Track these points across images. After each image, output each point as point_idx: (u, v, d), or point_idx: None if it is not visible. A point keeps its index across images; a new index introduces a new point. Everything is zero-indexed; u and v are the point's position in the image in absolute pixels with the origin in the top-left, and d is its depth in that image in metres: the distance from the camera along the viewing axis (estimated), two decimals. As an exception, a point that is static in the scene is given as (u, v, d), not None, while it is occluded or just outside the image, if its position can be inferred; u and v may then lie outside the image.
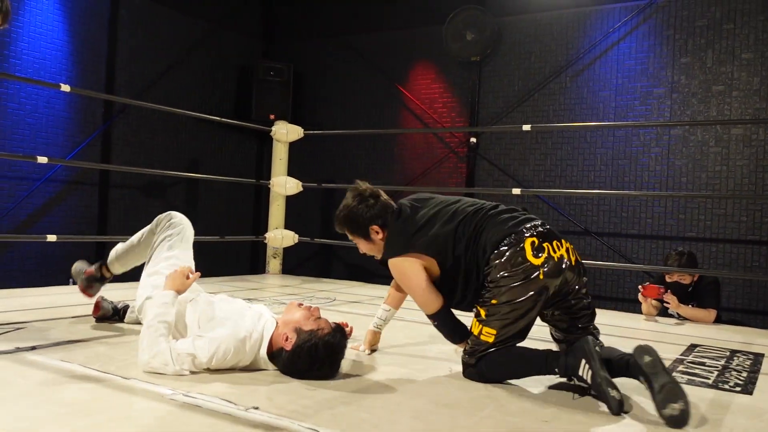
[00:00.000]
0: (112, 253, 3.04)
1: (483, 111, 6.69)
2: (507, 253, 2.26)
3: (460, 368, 2.36)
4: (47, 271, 5.69)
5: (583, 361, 2.07)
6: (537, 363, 2.21)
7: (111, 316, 3.05)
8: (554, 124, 6.10)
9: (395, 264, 2.45)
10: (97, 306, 3.03)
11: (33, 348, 2.45)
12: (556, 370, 2.16)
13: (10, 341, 2.53)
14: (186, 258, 2.82)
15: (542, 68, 6.36)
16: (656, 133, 5.81)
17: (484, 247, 2.33)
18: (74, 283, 3.14)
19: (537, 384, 2.27)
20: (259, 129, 6.23)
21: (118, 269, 3.04)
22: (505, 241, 2.29)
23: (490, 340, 2.25)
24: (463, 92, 6.80)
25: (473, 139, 6.62)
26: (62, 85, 3.84)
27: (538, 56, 6.40)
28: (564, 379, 2.23)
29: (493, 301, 2.25)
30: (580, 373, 2.08)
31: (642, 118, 5.80)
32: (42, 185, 5.69)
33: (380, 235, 2.53)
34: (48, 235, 3.76)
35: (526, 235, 2.29)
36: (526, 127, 4.39)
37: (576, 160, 6.16)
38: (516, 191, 4.44)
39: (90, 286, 3.04)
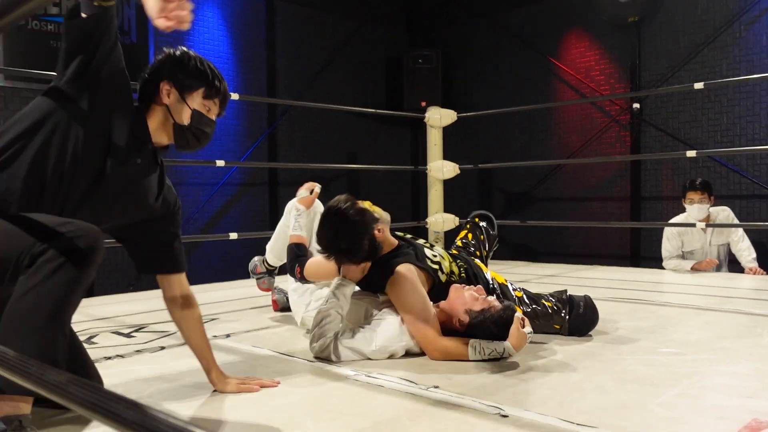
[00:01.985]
0: (267, 246, 3.23)
1: (645, 74, 6.26)
2: None
3: (648, 347, 2.23)
4: (230, 267, 6.18)
5: None
6: None
7: (288, 305, 3.24)
8: (730, 78, 5.56)
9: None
10: (274, 302, 3.24)
11: (228, 336, 2.67)
12: None
13: (208, 331, 2.77)
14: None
15: (710, 20, 5.82)
16: None
17: None
18: (254, 277, 3.37)
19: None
20: (412, 117, 6.30)
21: (276, 261, 3.22)
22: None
23: None
24: (621, 56, 6.41)
25: (636, 105, 6.22)
26: (232, 94, 4.13)
27: (704, 7, 5.86)
28: None
29: None
30: None
31: (836, 61, 5.13)
32: (220, 189, 6.19)
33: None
34: (231, 234, 4.07)
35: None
36: (698, 85, 4.03)
37: (758, 116, 5.58)
38: (690, 154, 4.09)
39: (262, 281, 3.26)
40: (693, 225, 4.24)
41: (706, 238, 4.53)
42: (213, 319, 3.07)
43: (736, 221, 4.54)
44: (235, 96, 4.09)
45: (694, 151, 4.23)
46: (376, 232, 2.29)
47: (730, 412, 1.62)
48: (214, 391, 1.87)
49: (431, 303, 2.29)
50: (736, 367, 2.05)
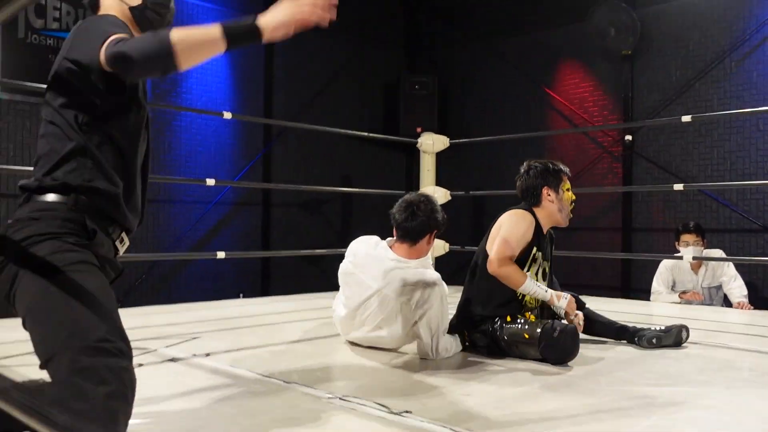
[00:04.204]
0: None
1: (638, 106, 6.32)
2: None
3: (626, 378, 2.23)
4: (220, 286, 6.17)
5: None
6: None
7: None
8: (719, 112, 5.61)
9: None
10: None
11: (207, 355, 2.66)
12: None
13: (188, 349, 2.77)
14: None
15: (702, 55, 5.90)
16: None
17: None
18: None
19: (709, 392, 2.08)
20: (407, 142, 6.34)
21: None
22: None
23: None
24: (615, 88, 6.48)
25: (628, 137, 6.28)
26: (225, 113, 4.17)
27: (697, 43, 5.94)
28: None
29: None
30: None
31: (826, 99, 5.18)
32: (213, 207, 6.20)
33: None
34: (218, 252, 4.07)
35: None
36: (686, 118, 4.07)
37: (748, 151, 5.62)
38: (678, 187, 4.13)
39: None
40: (680, 258, 4.27)
41: (698, 280, 4.55)
42: (195, 338, 3.06)
43: (727, 262, 4.55)
44: (227, 115, 4.12)
45: (682, 185, 4.27)
46: None
47: (699, 446, 1.62)
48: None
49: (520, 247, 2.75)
50: (711, 400, 2.05)
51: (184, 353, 2.67)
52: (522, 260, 2.78)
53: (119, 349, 1.31)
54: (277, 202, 6.75)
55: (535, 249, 2.82)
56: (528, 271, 2.79)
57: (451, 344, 2.70)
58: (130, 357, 1.34)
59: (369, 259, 2.77)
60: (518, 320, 2.67)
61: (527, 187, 2.91)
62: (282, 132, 6.78)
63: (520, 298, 2.75)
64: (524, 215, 2.81)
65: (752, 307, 4.37)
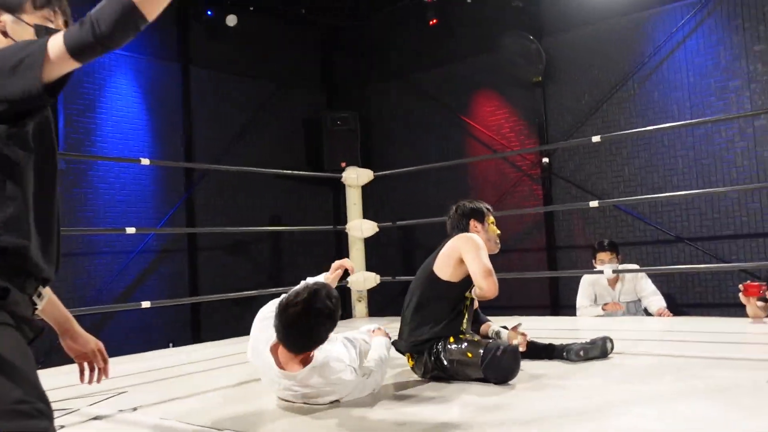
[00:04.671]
0: None
1: (552, 130, 6.58)
2: None
3: (557, 393, 2.28)
4: (149, 338, 5.96)
5: None
6: None
7: None
8: (625, 131, 5.91)
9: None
10: None
11: (134, 409, 2.56)
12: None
13: (114, 405, 2.65)
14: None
15: (608, 78, 6.22)
16: (739, 127, 5.53)
17: None
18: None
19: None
20: (332, 177, 6.37)
21: None
22: None
23: None
24: (529, 114, 6.73)
25: (545, 159, 6.52)
26: (142, 159, 4.09)
27: (601, 67, 6.27)
28: None
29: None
30: None
31: (721, 114, 5.54)
32: (137, 257, 6.01)
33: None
34: (143, 302, 3.94)
35: None
36: (596, 139, 4.28)
37: (656, 167, 5.93)
38: (593, 204, 4.32)
39: None
40: (601, 272, 4.44)
41: (615, 295, 4.73)
42: (121, 393, 2.93)
43: (643, 276, 4.74)
44: (145, 161, 4.03)
45: (597, 201, 4.46)
46: None
47: (628, 452, 1.66)
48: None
49: None
50: (639, 407, 2.12)
51: (109, 410, 2.55)
52: (468, 283, 2.84)
53: (38, 409, 1.25)
54: (204, 246, 6.62)
55: None
56: (470, 293, 2.87)
57: (379, 374, 2.60)
58: (50, 418, 1.28)
59: (260, 362, 2.49)
60: (461, 340, 2.70)
61: (456, 224, 3.07)
62: (204, 175, 6.68)
63: (458, 318, 2.82)
64: (476, 235, 2.96)
65: (671, 315, 4.57)
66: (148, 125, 6.31)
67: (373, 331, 2.91)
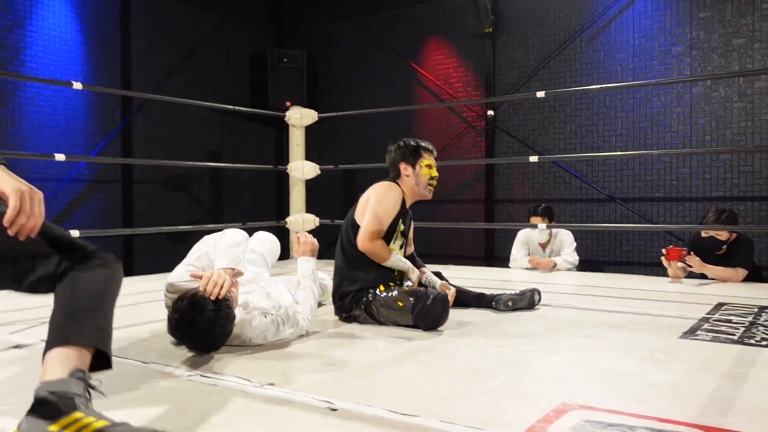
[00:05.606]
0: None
1: (499, 83, 6.60)
2: None
3: (483, 340, 2.35)
4: (78, 268, 5.81)
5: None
6: None
7: None
8: (569, 88, 5.99)
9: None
10: None
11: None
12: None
13: (36, 335, 2.59)
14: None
15: (557, 35, 6.25)
16: (677, 93, 5.67)
17: None
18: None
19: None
20: (276, 116, 6.25)
21: None
22: None
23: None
24: (478, 65, 6.72)
25: (490, 112, 6.55)
26: (74, 82, 3.89)
27: (551, 23, 6.28)
28: None
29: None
30: None
31: (661, 78, 5.67)
32: (66, 185, 5.80)
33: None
34: (71, 231, 3.81)
35: None
36: (540, 94, 4.32)
37: (596, 126, 6.06)
38: (533, 159, 4.39)
39: None
40: (535, 226, 4.55)
41: (545, 254, 4.94)
42: (44, 323, 2.86)
43: (570, 241, 4.91)
44: (77, 85, 3.84)
45: (536, 157, 4.52)
46: None
47: (543, 398, 1.73)
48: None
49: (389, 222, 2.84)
50: (556, 356, 2.21)
51: (31, 339, 2.50)
52: (388, 233, 2.86)
53: None
54: (140, 179, 6.43)
55: (400, 221, 2.93)
56: (393, 243, 2.88)
57: (312, 305, 2.57)
58: None
59: None
60: (391, 289, 2.74)
61: (390, 162, 3.04)
62: (143, 105, 6.44)
63: (389, 269, 2.85)
64: (391, 186, 2.94)
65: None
66: (83, 48, 6.00)
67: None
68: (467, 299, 3.14)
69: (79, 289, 1.51)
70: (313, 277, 2.67)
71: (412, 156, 2.98)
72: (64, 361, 1.39)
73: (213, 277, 2.12)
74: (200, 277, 2.15)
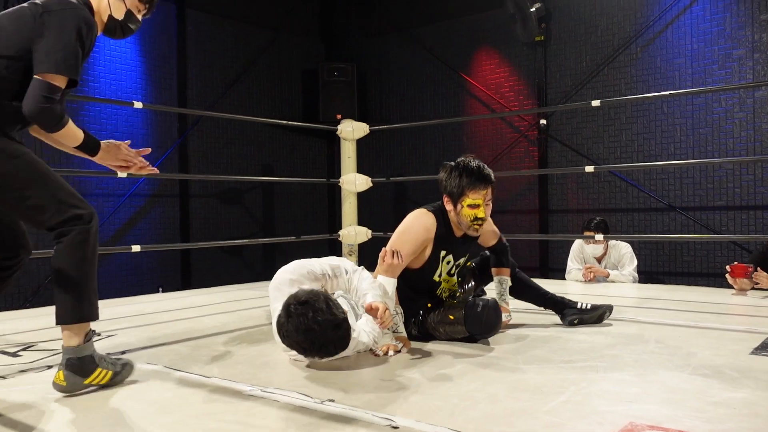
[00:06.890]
0: None
1: (551, 91, 6.51)
2: None
3: (543, 355, 2.30)
4: (139, 281, 5.97)
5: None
6: None
7: None
8: (626, 96, 5.86)
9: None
10: None
11: (123, 353, 2.57)
12: None
13: (102, 347, 2.66)
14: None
15: (610, 41, 6.14)
16: (739, 97, 5.49)
17: None
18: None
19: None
20: (327, 129, 6.31)
21: None
22: None
23: None
24: (529, 74, 6.65)
25: (543, 121, 6.47)
26: (135, 102, 4.01)
27: (605, 29, 6.17)
28: None
29: None
30: None
31: (722, 83, 5.49)
32: (127, 200, 5.98)
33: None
34: (133, 246, 3.92)
35: None
36: (596, 103, 4.23)
37: (653, 133, 5.90)
38: (589, 169, 4.28)
39: None
40: (592, 237, 4.45)
41: (601, 267, 4.81)
42: (110, 336, 2.95)
43: (631, 256, 4.77)
44: (138, 104, 3.96)
45: (593, 167, 4.43)
46: None
47: (609, 417, 1.69)
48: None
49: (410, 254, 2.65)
50: (620, 374, 2.15)
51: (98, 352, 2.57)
52: (431, 261, 2.74)
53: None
54: (196, 193, 6.59)
55: (443, 252, 2.76)
56: (437, 274, 2.78)
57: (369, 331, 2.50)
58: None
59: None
60: (439, 306, 2.72)
61: (439, 185, 2.80)
62: (198, 121, 6.60)
63: (433, 286, 2.80)
64: (420, 217, 2.71)
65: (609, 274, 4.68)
66: (141, 68, 6.19)
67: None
68: (535, 298, 3.15)
69: (60, 269, 1.98)
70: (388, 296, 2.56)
71: (455, 194, 2.69)
72: (77, 332, 1.99)
73: (386, 314, 2.34)
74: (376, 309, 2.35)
